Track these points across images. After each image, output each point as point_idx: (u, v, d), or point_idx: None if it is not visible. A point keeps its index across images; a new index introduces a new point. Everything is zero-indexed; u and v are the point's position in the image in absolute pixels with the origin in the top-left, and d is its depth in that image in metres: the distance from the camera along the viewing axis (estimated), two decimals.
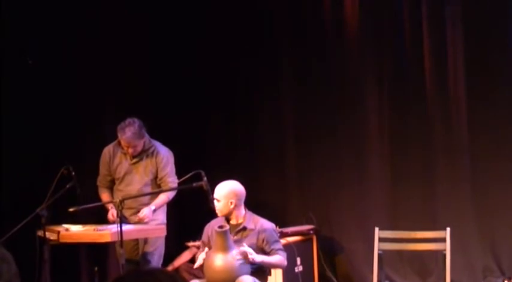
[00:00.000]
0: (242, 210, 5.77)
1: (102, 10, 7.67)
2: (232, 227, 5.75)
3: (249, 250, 5.50)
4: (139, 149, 6.50)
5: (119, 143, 6.56)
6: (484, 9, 7.19)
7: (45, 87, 7.42)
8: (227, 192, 5.72)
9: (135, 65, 7.77)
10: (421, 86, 7.41)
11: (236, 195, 5.73)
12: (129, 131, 6.37)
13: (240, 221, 5.76)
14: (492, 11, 7.18)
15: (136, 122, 6.40)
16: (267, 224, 5.78)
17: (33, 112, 7.35)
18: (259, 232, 5.69)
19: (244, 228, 5.72)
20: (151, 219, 6.49)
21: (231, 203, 5.70)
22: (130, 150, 6.48)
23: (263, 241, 5.67)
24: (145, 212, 6.40)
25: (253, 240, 5.66)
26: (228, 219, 5.76)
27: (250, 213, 5.81)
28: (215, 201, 5.72)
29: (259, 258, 5.56)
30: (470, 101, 7.26)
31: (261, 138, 8.09)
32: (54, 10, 7.45)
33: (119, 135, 6.42)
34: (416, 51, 7.41)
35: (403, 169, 7.50)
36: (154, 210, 6.45)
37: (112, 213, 6.40)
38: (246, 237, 5.68)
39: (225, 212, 5.72)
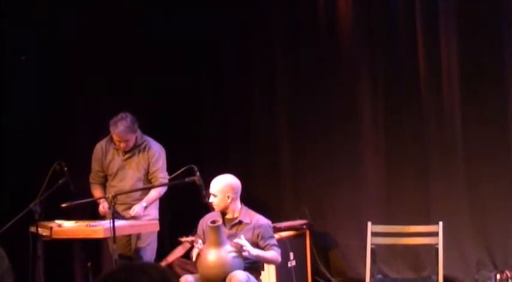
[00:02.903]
0: (238, 204, 5.77)
1: (96, 5, 7.66)
2: (228, 221, 5.75)
3: (245, 242, 5.49)
4: (131, 144, 6.51)
5: (111, 139, 6.56)
6: (477, 7, 7.20)
7: (38, 84, 7.41)
8: (223, 187, 5.71)
9: (127, 61, 7.76)
10: (415, 83, 7.41)
11: (233, 189, 5.73)
12: (121, 125, 6.38)
13: (235, 215, 5.75)
14: (485, 9, 7.18)
15: (129, 117, 6.41)
16: (262, 220, 5.78)
17: (27, 108, 7.34)
18: (254, 227, 5.69)
19: (240, 222, 5.72)
20: (144, 215, 6.49)
21: (228, 197, 5.69)
22: (122, 145, 6.49)
23: (258, 236, 5.67)
24: (136, 209, 6.40)
25: (249, 235, 5.65)
26: (223, 214, 5.76)
27: (246, 208, 5.81)
28: (211, 197, 5.71)
29: (254, 251, 5.55)
30: (464, 96, 7.26)
31: (254, 133, 8.10)
32: (48, 5, 7.44)
33: (111, 129, 6.43)
34: (410, 49, 7.41)
35: (397, 164, 7.51)
36: (146, 207, 6.46)
37: (103, 205, 6.41)
38: (241, 231, 5.68)
39: (222, 206, 5.71)
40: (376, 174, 7.60)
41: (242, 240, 5.50)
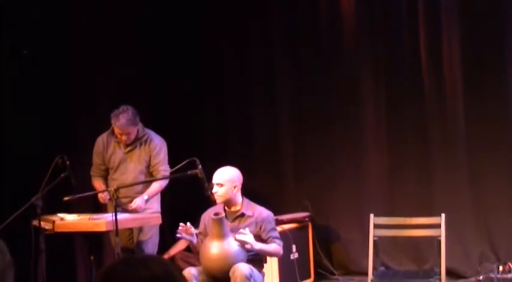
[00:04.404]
0: (240, 197, 5.78)
1: (97, 4, 7.65)
2: (230, 213, 5.75)
3: (249, 236, 5.48)
4: (132, 136, 6.50)
5: (112, 132, 6.56)
6: (479, 4, 7.19)
7: (39, 78, 7.40)
8: (231, 176, 5.72)
9: (128, 59, 7.76)
10: (418, 76, 7.41)
11: (239, 178, 5.76)
12: (123, 118, 6.38)
13: (238, 208, 5.76)
14: (487, 6, 7.17)
15: (130, 109, 6.41)
16: (265, 212, 5.78)
17: (28, 103, 7.33)
18: (257, 220, 5.69)
19: (242, 215, 5.72)
20: (145, 208, 6.49)
21: (235, 187, 5.71)
22: (124, 138, 6.48)
23: (260, 228, 5.67)
24: (137, 202, 6.39)
25: (251, 228, 5.65)
26: (225, 206, 5.76)
27: (247, 201, 5.81)
28: (216, 187, 5.69)
29: (257, 245, 5.55)
30: (466, 92, 7.27)
31: (255, 126, 8.10)
32: (48, 3, 7.43)
33: (113, 122, 6.42)
34: (413, 42, 7.42)
35: (399, 157, 7.51)
36: (147, 200, 6.45)
37: (103, 196, 6.41)
38: (244, 224, 5.68)
39: (228, 197, 5.71)
40: (377, 168, 7.61)
41: (247, 233, 5.49)
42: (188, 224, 5.70)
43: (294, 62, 7.91)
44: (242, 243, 5.49)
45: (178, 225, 5.66)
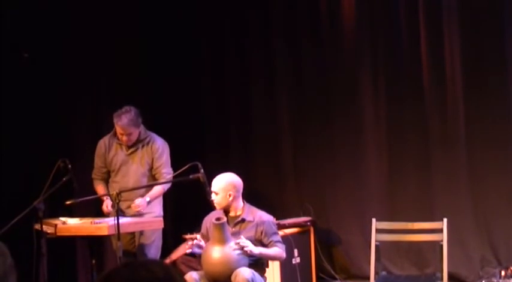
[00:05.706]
0: (240, 202, 5.78)
1: (97, 4, 7.66)
2: (231, 219, 5.75)
3: (246, 242, 5.50)
4: (134, 137, 6.49)
5: (114, 134, 6.56)
6: (480, 1, 7.19)
7: (39, 82, 7.41)
8: (225, 185, 5.72)
9: (128, 60, 7.77)
10: (418, 77, 7.41)
11: (234, 187, 5.73)
12: (125, 118, 6.38)
13: (238, 213, 5.76)
14: (488, 3, 7.17)
15: (133, 110, 6.41)
16: (265, 216, 5.78)
17: (29, 105, 7.34)
18: (257, 224, 5.69)
19: (243, 220, 5.72)
20: (148, 212, 6.48)
21: (230, 195, 5.70)
22: (125, 139, 6.47)
23: (261, 233, 5.67)
24: (139, 201, 6.38)
25: (252, 232, 5.65)
26: (226, 212, 5.76)
27: (248, 205, 5.81)
28: (213, 195, 5.71)
29: (257, 250, 5.56)
30: (466, 91, 7.26)
31: (256, 130, 8.09)
32: (48, 3, 7.44)
33: (115, 121, 6.42)
34: (413, 42, 7.41)
35: (400, 160, 7.50)
36: (149, 202, 6.44)
37: (106, 204, 6.40)
38: (244, 229, 5.68)
39: (224, 204, 5.72)
40: (378, 171, 7.60)
41: (243, 240, 5.50)
42: (198, 237, 5.73)
43: (294, 62, 7.91)
44: (241, 248, 5.50)
45: (185, 239, 5.68)
